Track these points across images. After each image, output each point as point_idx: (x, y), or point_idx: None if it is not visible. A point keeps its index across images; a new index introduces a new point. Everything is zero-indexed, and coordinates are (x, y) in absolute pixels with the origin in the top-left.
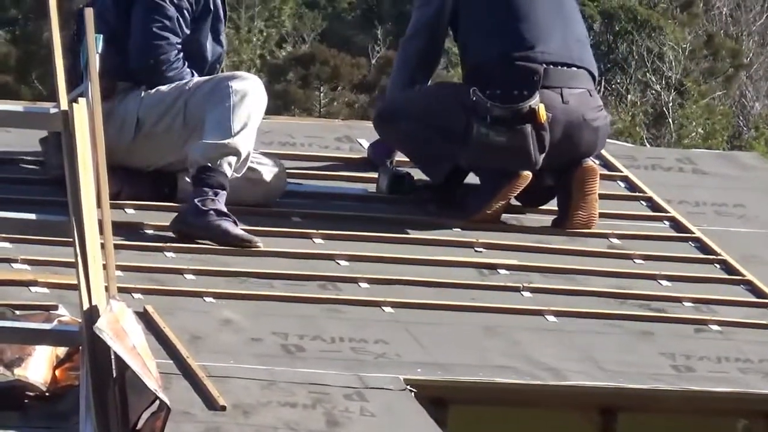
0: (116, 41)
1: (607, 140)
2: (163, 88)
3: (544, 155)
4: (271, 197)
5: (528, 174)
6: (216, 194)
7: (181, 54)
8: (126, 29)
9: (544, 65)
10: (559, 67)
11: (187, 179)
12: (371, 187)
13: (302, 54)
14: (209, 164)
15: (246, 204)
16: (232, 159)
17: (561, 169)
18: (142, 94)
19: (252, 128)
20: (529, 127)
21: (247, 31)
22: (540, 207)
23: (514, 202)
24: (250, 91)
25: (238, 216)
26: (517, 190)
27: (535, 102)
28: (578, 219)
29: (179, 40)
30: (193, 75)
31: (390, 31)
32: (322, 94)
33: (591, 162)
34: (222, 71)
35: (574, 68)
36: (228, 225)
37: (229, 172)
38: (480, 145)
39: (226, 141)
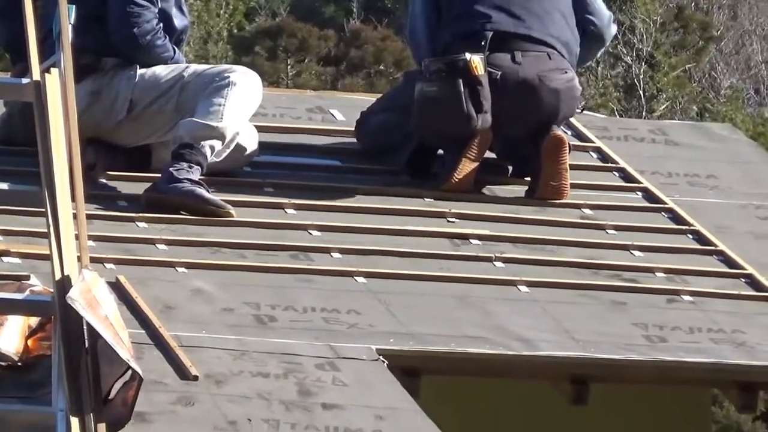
0: (96, 17)
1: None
2: (160, 71)
3: (485, 114)
4: (245, 161)
5: (481, 133)
6: (191, 167)
7: (161, 25)
8: (103, 4)
9: (493, 32)
10: (513, 36)
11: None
12: (343, 158)
13: (270, 26)
14: (192, 142)
15: (220, 169)
16: (216, 143)
17: (528, 136)
18: (137, 77)
19: (242, 120)
20: (460, 78)
21: (215, 4)
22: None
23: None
24: (247, 85)
25: (210, 186)
26: (474, 151)
27: (470, 56)
28: (549, 189)
29: (157, 10)
30: (175, 51)
31: (363, 4)
32: (289, 67)
33: (560, 132)
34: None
35: (531, 37)
36: (202, 191)
37: (209, 154)
38: (418, 102)
39: (214, 124)
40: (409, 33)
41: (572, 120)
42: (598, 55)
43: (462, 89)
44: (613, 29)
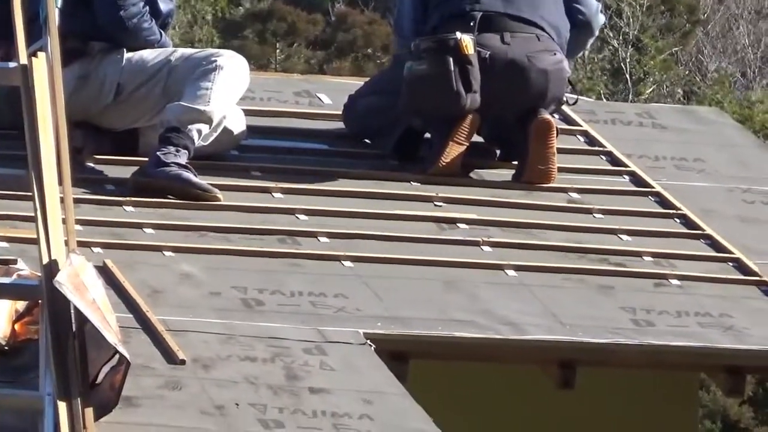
0: (83, 1)
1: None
2: (147, 55)
3: (475, 94)
4: (233, 144)
5: (469, 116)
6: (178, 152)
7: (147, 8)
8: None
9: (482, 13)
10: (502, 17)
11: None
12: (331, 142)
13: (259, 10)
14: (179, 126)
15: (207, 152)
16: (203, 127)
17: (516, 119)
18: (124, 60)
19: (229, 103)
20: (450, 57)
21: None
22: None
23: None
24: (235, 69)
25: (198, 170)
26: (462, 134)
27: (461, 35)
28: (537, 172)
29: None
30: (161, 35)
31: None
32: (278, 51)
33: (548, 115)
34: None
35: (521, 18)
36: (189, 175)
37: (196, 138)
38: (407, 80)
39: (202, 108)
40: (395, 23)
41: None
42: (588, 46)
43: (452, 67)
44: (602, 18)
